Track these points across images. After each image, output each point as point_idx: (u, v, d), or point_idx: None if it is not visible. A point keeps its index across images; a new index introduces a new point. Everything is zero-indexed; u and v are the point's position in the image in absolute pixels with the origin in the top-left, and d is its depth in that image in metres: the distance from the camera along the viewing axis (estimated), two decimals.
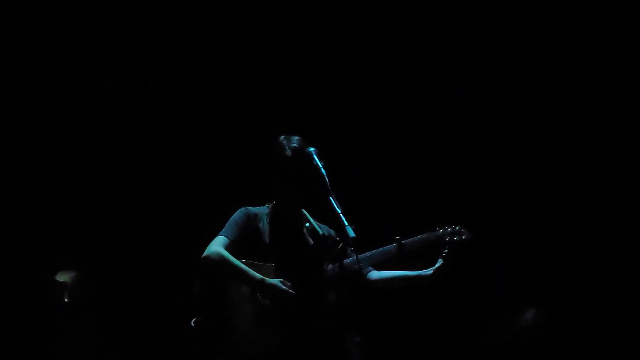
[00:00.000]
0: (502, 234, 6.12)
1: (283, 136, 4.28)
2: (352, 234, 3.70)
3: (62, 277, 5.51)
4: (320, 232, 4.24)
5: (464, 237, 4.18)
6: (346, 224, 3.74)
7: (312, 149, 4.09)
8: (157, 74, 6.32)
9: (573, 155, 6.21)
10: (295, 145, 4.20)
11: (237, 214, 4.25)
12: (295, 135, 4.27)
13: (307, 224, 4.29)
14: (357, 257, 4.03)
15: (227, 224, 4.22)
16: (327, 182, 3.90)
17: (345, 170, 6.09)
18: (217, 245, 4.11)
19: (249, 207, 4.29)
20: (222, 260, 4.06)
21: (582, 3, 6.07)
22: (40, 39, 6.07)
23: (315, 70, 6.34)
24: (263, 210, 4.32)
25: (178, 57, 6.31)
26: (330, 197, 3.85)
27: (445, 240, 4.17)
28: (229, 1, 6.28)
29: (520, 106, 6.24)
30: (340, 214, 3.78)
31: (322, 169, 3.97)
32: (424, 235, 4.21)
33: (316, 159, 4.02)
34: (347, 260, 4.12)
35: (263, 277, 4.05)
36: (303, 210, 4.35)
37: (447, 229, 4.21)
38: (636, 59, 6.06)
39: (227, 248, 4.11)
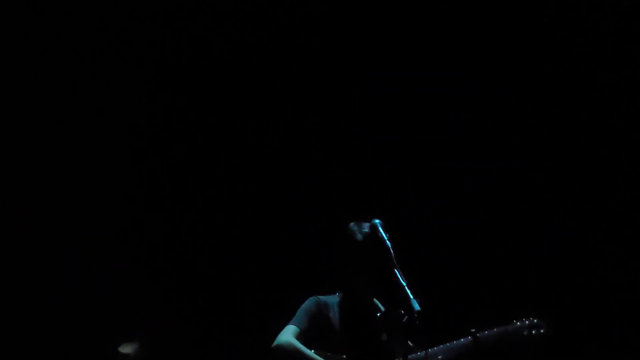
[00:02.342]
0: (503, 234, 6.12)
1: (353, 223, 4.21)
2: (417, 307, 3.64)
3: (125, 349, 5.44)
4: (404, 284, 3.93)
5: (542, 330, 4.05)
6: (411, 297, 3.68)
7: (377, 221, 4.02)
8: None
9: (573, 155, 6.19)
10: (366, 230, 4.12)
11: (307, 303, 4.17)
12: (366, 222, 4.18)
13: (379, 314, 4.15)
14: (425, 352, 3.99)
15: (297, 313, 4.14)
16: (393, 255, 3.85)
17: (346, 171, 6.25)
18: (288, 335, 4.04)
19: (319, 296, 4.21)
20: (293, 349, 3.99)
21: (582, 3, 6.06)
22: (43, 40, 6.08)
23: (315, 71, 6.34)
24: (334, 299, 4.22)
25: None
26: (395, 270, 3.79)
27: (523, 334, 4.05)
28: (229, 2, 6.29)
29: (520, 106, 6.23)
30: (405, 287, 3.73)
31: (387, 241, 3.91)
32: (500, 329, 4.08)
33: (381, 230, 3.96)
34: (413, 355, 4.01)
35: None
36: (375, 300, 4.24)
37: (525, 321, 4.08)
38: (636, 59, 6.04)
39: (298, 337, 4.03)
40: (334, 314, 4.16)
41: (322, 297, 4.22)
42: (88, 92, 6.18)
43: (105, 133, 6.22)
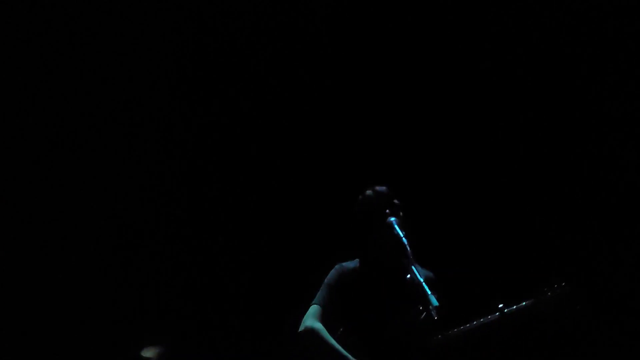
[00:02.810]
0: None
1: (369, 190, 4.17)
2: (435, 302, 3.62)
3: (148, 352, 5.42)
4: (422, 280, 3.83)
5: (575, 297, 3.82)
6: (429, 292, 3.66)
7: (392, 219, 3.95)
8: None
9: (573, 155, 6.21)
10: (379, 189, 4.11)
11: (331, 275, 4.13)
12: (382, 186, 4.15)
13: (408, 276, 3.90)
14: (449, 333, 3.90)
15: (321, 288, 4.11)
16: (409, 252, 3.80)
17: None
18: (312, 319, 4.02)
19: (343, 264, 4.17)
20: (317, 339, 3.96)
21: (582, 3, 6.09)
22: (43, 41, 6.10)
23: (316, 70, 6.36)
24: (355, 265, 4.17)
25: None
26: (413, 266, 3.78)
27: (556, 304, 3.82)
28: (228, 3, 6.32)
29: (520, 106, 6.25)
30: (423, 282, 3.70)
31: (404, 238, 3.85)
32: (530, 302, 3.89)
33: (397, 228, 3.90)
34: (434, 339, 3.94)
35: None
36: (404, 260, 4.03)
37: (557, 289, 3.87)
38: (636, 59, 6.07)
39: (323, 318, 4.01)
40: (357, 282, 4.09)
41: (345, 265, 4.16)
42: (92, 93, 6.19)
43: (119, 135, 6.24)
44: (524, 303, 3.88)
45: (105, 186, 6.17)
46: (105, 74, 6.18)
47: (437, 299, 3.62)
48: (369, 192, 4.14)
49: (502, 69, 6.23)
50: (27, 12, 6.07)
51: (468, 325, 3.93)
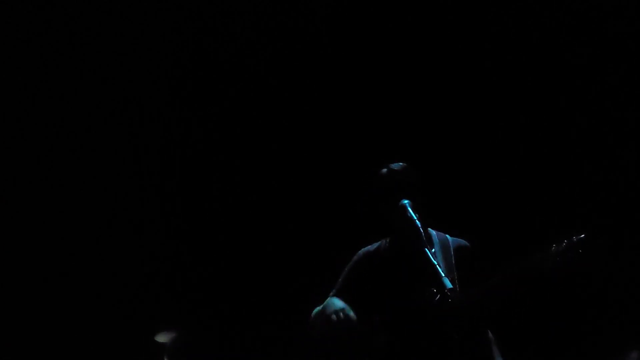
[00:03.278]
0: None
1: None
2: (449, 284, 3.60)
3: (162, 338, 5.40)
4: (435, 263, 3.76)
5: (594, 250, 3.63)
6: (443, 275, 3.63)
7: (405, 201, 3.84)
8: None
9: (573, 155, 6.21)
10: (393, 166, 4.02)
11: (351, 262, 4.09)
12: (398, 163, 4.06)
13: (433, 250, 3.93)
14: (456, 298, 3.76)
15: (341, 276, 4.07)
16: (422, 235, 3.75)
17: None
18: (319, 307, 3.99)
19: (365, 248, 4.11)
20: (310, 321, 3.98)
21: (582, 3, 6.09)
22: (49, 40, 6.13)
23: (316, 70, 6.37)
24: (381, 246, 4.10)
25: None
26: (426, 249, 3.73)
27: (575, 254, 3.62)
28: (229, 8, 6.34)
29: (520, 106, 6.25)
30: (437, 265, 3.67)
31: (417, 221, 3.77)
32: (538, 256, 3.72)
33: (410, 211, 3.81)
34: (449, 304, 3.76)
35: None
36: (430, 230, 4.03)
37: (572, 238, 3.68)
38: (636, 59, 6.07)
39: None
40: (380, 265, 4.01)
41: (366, 249, 4.10)
42: (91, 93, 6.21)
43: (119, 135, 6.26)
44: (523, 261, 3.74)
45: (119, 176, 6.27)
46: (105, 74, 6.19)
47: (451, 281, 3.62)
48: (384, 170, 4.04)
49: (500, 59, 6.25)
50: (27, 12, 6.08)
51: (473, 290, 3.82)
